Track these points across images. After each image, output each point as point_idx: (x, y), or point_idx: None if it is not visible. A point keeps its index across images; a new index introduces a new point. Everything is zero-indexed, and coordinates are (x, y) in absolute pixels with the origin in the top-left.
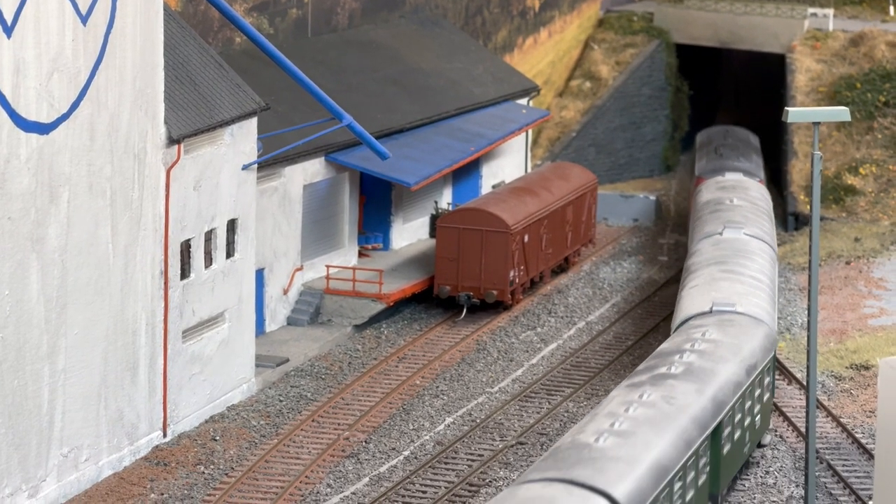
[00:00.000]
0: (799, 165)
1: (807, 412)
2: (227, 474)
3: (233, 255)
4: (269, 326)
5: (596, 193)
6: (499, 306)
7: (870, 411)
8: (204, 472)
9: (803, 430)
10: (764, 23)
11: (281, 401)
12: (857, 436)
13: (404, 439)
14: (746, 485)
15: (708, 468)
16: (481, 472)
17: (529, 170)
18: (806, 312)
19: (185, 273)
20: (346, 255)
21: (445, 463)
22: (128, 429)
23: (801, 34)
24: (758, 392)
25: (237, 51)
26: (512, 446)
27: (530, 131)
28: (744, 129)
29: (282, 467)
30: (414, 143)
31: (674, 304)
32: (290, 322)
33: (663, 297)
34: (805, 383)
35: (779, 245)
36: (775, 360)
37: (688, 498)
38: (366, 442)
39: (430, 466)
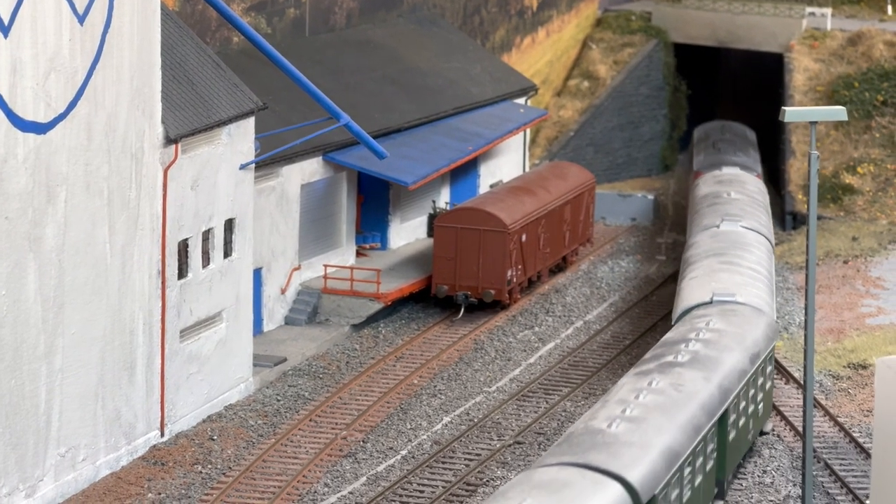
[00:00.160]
0: (797, 165)
1: (804, 411)
2: (224, 474)
3: (230, 255)
4: (267, 326)
5: (594, 193)
6: (496, 306)
7: (867, 410)
8: (201, 472)
9: (801, 429)
10: (762, 22)
11: (278, 400)
12: (854, 435)
13: (402, 439)
14: (744, 484)
15: (715, 454)
16: (479, 472)
17: (527, 169)
18: (803, 311)
19: (182, 273)
20: (344, 255)
21: (443, 462)
22: (125, 428)
23: (799, 33)
24: (760, 380)
25: (235, 50)
26: (509, 446)
27: (528, 131)
28: (740, 125)
29: (279, 467)
30: (412, 142)
31: (672, 302)
32: (288, 321)
33: (661, 297)
34: (802, 382)
35: (777, 244)
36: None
37: (696, 483)
38: (363, 441)
39: (427, 466)
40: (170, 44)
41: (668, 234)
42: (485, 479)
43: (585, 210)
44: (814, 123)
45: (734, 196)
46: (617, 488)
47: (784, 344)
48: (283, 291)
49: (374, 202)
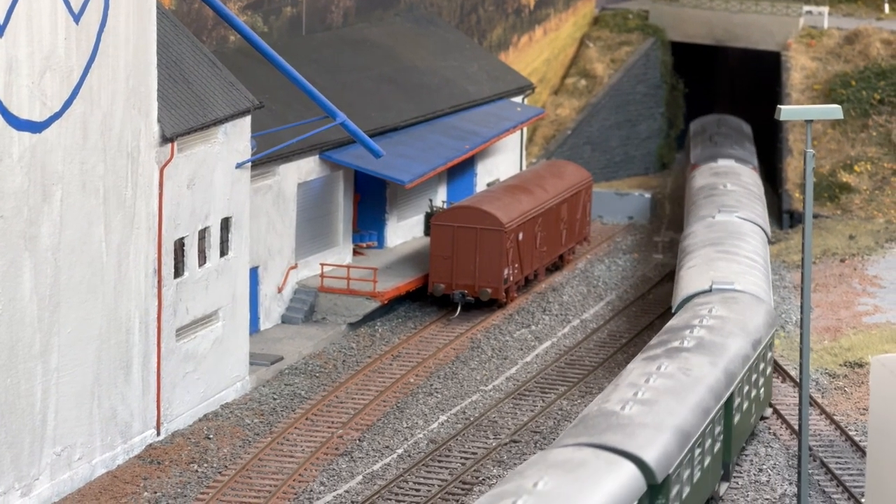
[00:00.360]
0: (794, 163)
1: (800, 409)
2: (220, 472)
3: (227, 254)
4: (264, 324)
5: (591, 191)
6: (493, 304)
7: (863, 409)
8: (197, 471)
9: (797, 427)
10: (759, 20)
11: (275, 399)
12: (850, 433)
13: (398, 437)
14: (740, 482)
15: (721, 437)
16: (475, 471)
17: (524, 168)
18: (800, 310)
19: (178, 271)
20: (341, 254)
21: (439, 461)
22: (121, 427)
23: (796, 32)
24: (762, 366)
25: (231, 49)
26: (505, 444)
27: (525, 129)
28: (736, 118)
29: (275, 465)
30: (408, 141)
31: (668, 300)
32: (285, 320)
33: (658, 295)
34: (798, 380)
35: (774, 243)
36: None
37: (706, 464)
38: (359, 440)
39: (423, 464)
40: (166, 42)
41: (665, 233)
42: (481, 478)
43: (582, 208)
44: (809, 122)
45: (730, 187)
46: (631, 468)
47: (781, 342)
48: (279, 290)
49: (371, 201)
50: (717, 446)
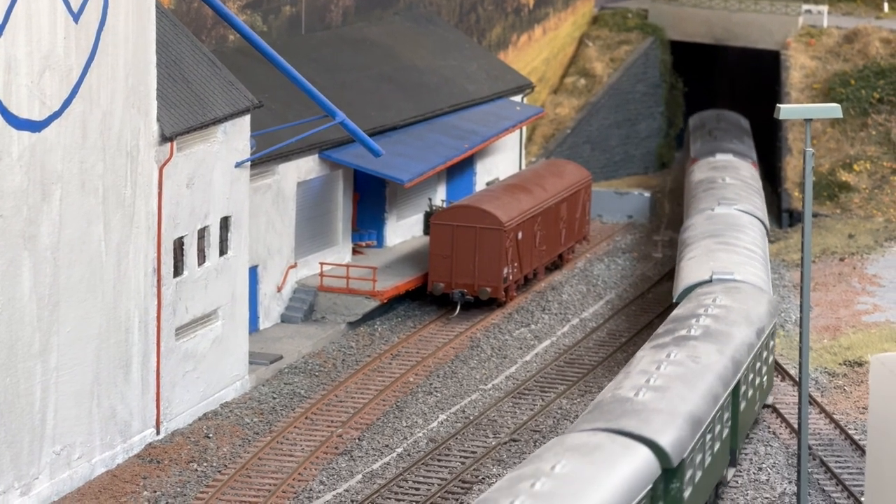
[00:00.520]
0: (793, 162)
1: (799, 408)
2: (220, 472)
3: (226, 253)
4: (263, 324)
5: (590, 190)
6: (492, 303)
7: (863, 408)
8: (197, 470)
9: (796, 426)
10: (758, 19)
11: (274, 398)
12: (850, 432)
13: (397, 436)
14: (740, 481)
15: (729, 423)
16: (474, 469)
17: (524, 167)
18: (799, 309)
19: (178, 270)
20: (340, 253)
21: (438, 460)
22: (121, 426)
23: (795, 31)
24: (765, 354)
25: (230, 48)
26: (505, 443)
27: (525, 128)
28: (735, 114)
29: (275, 464)
30: (408, 140)
31: (668, 300)
32: (284, 319)
33: (658, 294)
34: (798, 379)
35: (774, 242)
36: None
37: (715, 449)
38: (359, 439)
39: (423, 463)
40: (165, 42)
41: (665, 232)
42: (480, 477)
43: (582, 208)
44: (809, 121)
45: (729, 181)
46: (647, 452)
47: (780, 341)
48: (279, 289)
49: (371, 200)
50: (725, 432)
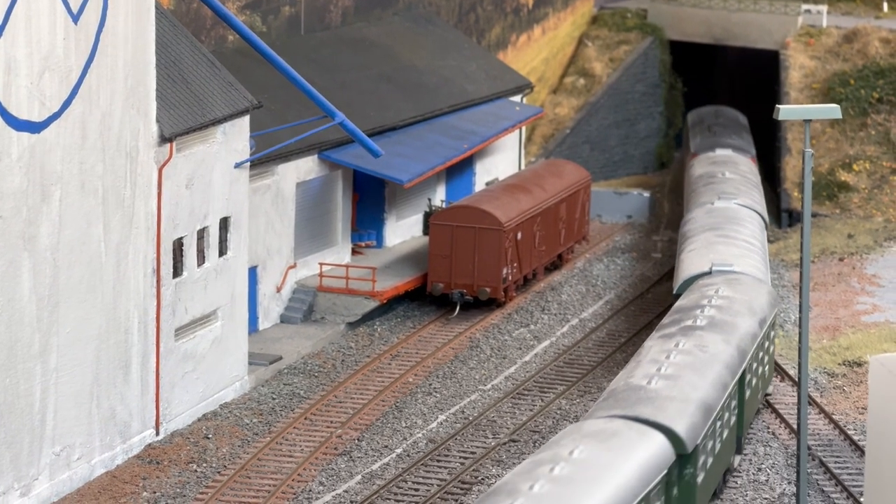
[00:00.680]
0: (793, 162)
1: (798, 409)
2: (219, 472)
3: (225, 253)
4: (263, 324)
5: (589, 190)
6: (492, 304)
7: (862, 408)
8: (196, 471)
9: (795, 426)
10: (757, 19)
11: (274, 399)
12: (849, 432)
13: (397, 437)
14: (739, 482)
15: (736, 411)
16: (474, 470)
17: (523, 167)
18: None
19: (177, 271)
20: (340, 253)
21: (438, 461)
22: (120, 427)
23: (794, 31)
24: (766, 344)
25: (230, 49)
26: (504, 444)
27: (524, 128)
28: (733, 109)
29: (274, 465)
30: (407, 140)
31: (668, 300)
32: (284, 320)
33: (657, 294)
34: (797, 380)
35: (773, 242)
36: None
37: (724, 436)
38: (358, 440)
39: (422, 464)
40: (164, 42)
41: (664, 232)
42: (480, 478)
43: (581, 208)
44: (808, 121)
45: (728, 176)
46: (662, 438)
47: (780, 341)
48: (278, 290)
49: (370, 200)
50: (733, 420)
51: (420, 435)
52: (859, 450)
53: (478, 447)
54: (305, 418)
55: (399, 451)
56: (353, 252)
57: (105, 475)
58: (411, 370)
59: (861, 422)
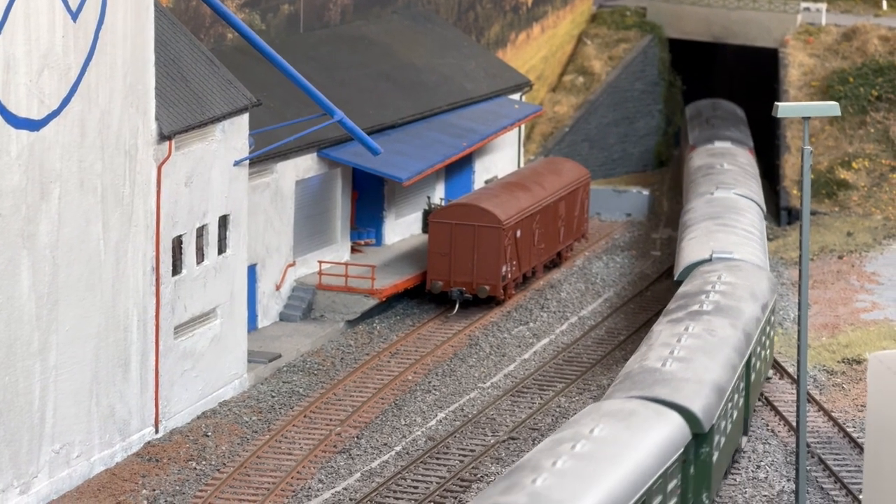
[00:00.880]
0: (792, 160)
1: (797, 406)
2: (218, 470)
3: (224, 251)
4: (262, 322)
5: (588, 188)
6: (491, 301)
7: (861, 405)
8: (196, 468)
9: (794, 423)
10: (757, 17)
11: (273, 396)
12: (848, 430)
13: (396, 435)
14: (737, 479)
15: (744, 393)
16: (473, 468)
17: (522, 165)
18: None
19: (176, 269)
20: (339, 251)
21: (437, 458)
22: (119, 425)
23: (793, 29)
24: (768, 329)
25: (229, 47)
26: (503, 441)
27: (523, 126)
28: (730, 103)
29: (273, 463)
30: (406, 138)
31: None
32: (283, 318)
33: (656, 292)
34: (796, 377)
35: (772, 240)
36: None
37: (734, 417)
38: (357, 437)
39: (421, 462)
40: (163, 40)
41: (663, 230)
42: (479, 475)
43: (580, 206)
44: (807, 119)
45: (727, 167)
46: (678, 418)
47: (779, 339)
48: (277, 288)
49: (369, 198)
50: (741, 401)
51: (419, 433)
52: (858, 447)
53: (477, 445)
54: (305, 416)
55: (398, 448)
56: (353, 250)
57: (104, 473)
58: (410, 368)
59: (860, 419)
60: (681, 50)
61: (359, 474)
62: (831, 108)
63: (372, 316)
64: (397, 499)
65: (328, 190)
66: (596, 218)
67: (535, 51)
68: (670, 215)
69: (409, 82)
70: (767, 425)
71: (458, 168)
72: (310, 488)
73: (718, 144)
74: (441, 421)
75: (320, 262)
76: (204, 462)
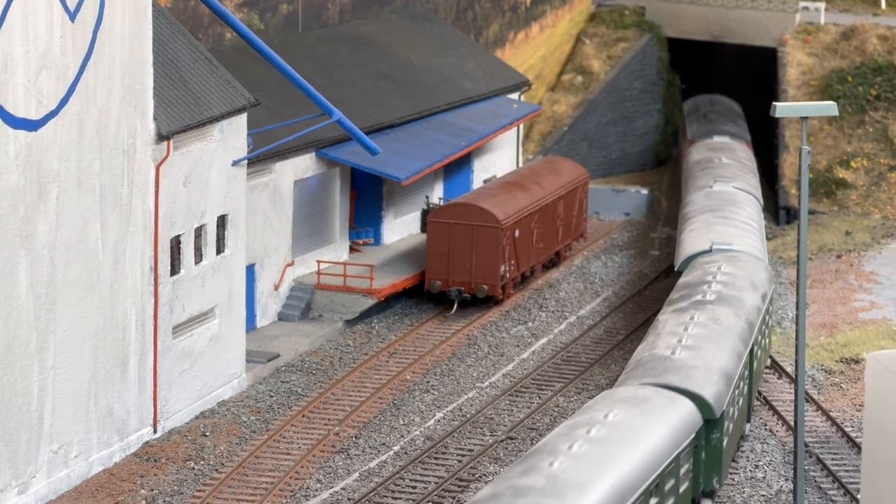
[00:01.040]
0: (790, 159)
1: (795, 406)
2: (217, 470)
3: (223, 251)
4: (260, 322)
5: (587, 188)
6: (489, 301)
7: (859, 405)
8: (194, 468)
9: (793, 423)
10: (755, 16)
11: (271, 396)
12: (846, 429)
13: (394, 434)
14: (736, 479)
15: (748, 380)
16: (471, 468)
17: (521, 164)
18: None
19: (174, 269)
20: (337, 251)
21: (435, 458)
22: (118, 425)
23: (792, 28)
24: (767, 318)
25: (227, 47)
26: (502, 441)
27: (522, 126)
28: (727, 98)
29: (272, 463)
30: (405, 138)
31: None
32: (281, 317)
33: (655, 292)
34: (794, 377)
35: (771, 239)
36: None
37: (740, 403)
38: (356, 437)
39: (420, 462)
40: (161, 40)
41: (662, 230)
42: (477, 475)
43: (579, 205)
44: (805, 119)
45: (725, 161)
46: (690, 404)
47: (777, 338)
48: (276, 287)
49: (368, 198)
50: (746, 388)
51: (418, 432)
52: (856, 446)
53: (475, 444)
54: (303, 416)
55: (396, 448)
56: (351, 250)
57: (103, 473)
58: (409, 367)
59: (858, 419)
60: (679, 49)
61: (357, 474)
62: (829, 107)
63: (370, 315)
64: (396, 499)
65: (327, 190)
66: (594, 217)
67: (534, 50)
68: (669, 214)
69: (407, 82)
70: (766, 425)
71: (457, 167)
72: (308, 488)
73: (717, 139)
74: (439, 421)
75: (319, 262)
76: (202, 462)
